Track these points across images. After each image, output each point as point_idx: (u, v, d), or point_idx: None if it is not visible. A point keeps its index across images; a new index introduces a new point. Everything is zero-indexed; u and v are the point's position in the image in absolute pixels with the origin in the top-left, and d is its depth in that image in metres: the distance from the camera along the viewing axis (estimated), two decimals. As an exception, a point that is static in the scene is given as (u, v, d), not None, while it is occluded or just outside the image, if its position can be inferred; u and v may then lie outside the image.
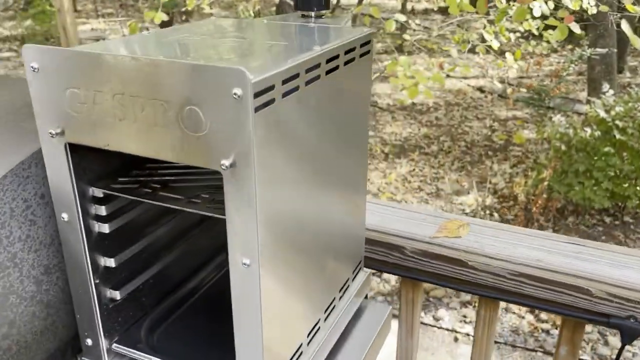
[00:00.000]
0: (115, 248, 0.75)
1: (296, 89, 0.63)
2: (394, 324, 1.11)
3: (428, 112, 7.29)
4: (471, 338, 2.56)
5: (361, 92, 0.84)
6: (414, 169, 5.96)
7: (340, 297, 0.88)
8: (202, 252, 0.97)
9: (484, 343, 1.19)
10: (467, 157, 6.21)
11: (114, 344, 0.79)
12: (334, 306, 0.86)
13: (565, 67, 6.71)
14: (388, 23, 2.82)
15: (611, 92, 4.81)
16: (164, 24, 9.27)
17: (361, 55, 0.80)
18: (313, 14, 0.95)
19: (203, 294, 0.92)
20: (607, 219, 4.80)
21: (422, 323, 3.67)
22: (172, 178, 0.72)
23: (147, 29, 9.66)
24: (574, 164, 4.60)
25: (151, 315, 0.85)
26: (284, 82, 0.60)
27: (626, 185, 4.40)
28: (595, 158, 4.45)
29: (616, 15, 3.98)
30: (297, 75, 0.63)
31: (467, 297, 3.83)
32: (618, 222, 4.76)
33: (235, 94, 0.54)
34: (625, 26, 2.51)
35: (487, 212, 5.12)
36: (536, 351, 3.31)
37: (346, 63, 0.76)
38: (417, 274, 1.13)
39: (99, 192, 0.70)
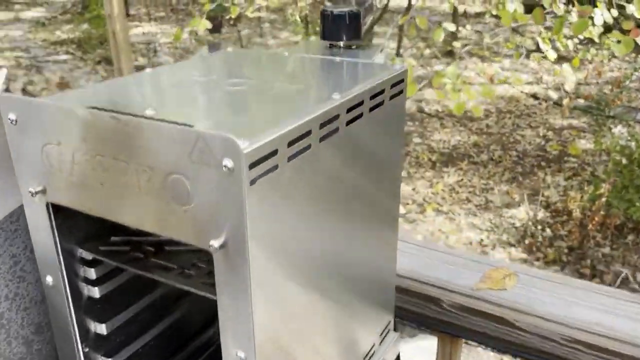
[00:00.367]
0: (108, 313, 0.67)
1: (307, 147, 0.53)
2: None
3: (478, 119, 7.05)
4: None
5: (391, 137, 0.73)
6: (462, 179, 5.75)
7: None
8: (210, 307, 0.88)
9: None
10: (519, 168, 5.96)
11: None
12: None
13: (628, 74, 6.35)
14: (436, 33, 2.68)
15: (678, 102, 4.49)
16: (212, 30, 9.35)
17: (392, 97, 0.70)
18: (342, 44, 0.84)
19: (213, 353, 0.83)
20: (671, 239, 4.50)
21: None
22: (169, 240, 0.64)
23: (196, 33, 9.77)
24: (635, 178, 4.32)
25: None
26: (291, 143, 0.50)
27: (693, 204, 4.09)
28: (659, 174, 4.17)
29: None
30: (308, 133, 0.53)
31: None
32: (683, 242, 4.45)
33: (225, 165, 0.44)
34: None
35: (539, 227, 4.88)
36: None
37: (372, 109, 0.65)
38: (456, 329, 1.01)
39: (87, 254, 0.62)
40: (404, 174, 5.82)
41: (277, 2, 3.53)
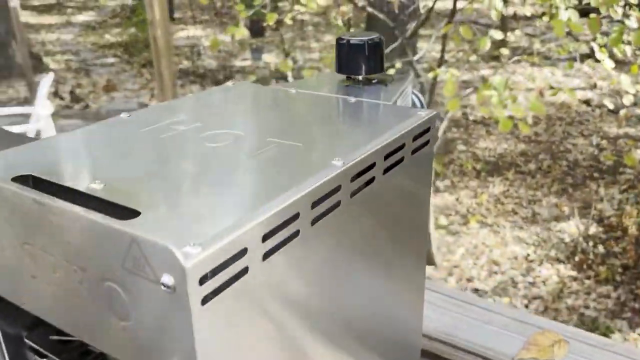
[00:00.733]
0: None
1: (295, 235, 0.41)
2: None
3: (528, 126, 6.76)
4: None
5: (413, 196, 0.60)
6: (508, 189, 5.50)
7: None
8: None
9: None
10: (569, 179, 5.67)
11: None
12: None
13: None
14: (481, 42, 2.51)
15: None
16: (255, 34, 9.32)
17: (414, 151, 0.56)
18: (360, 78, 0.72)
19: None
20: None
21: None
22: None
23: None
24: (698, 195, 4.01)
25: None
26: (267, 236, 0.38)
27: None
28: None
29: None
30: (294, 218, 0.40)
31: None
32: None
33: (163, 283, 0.32)
34: None
35: (591, 242, 4.60)
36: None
37: (388, 169, 0.52)
38: (493, 405, 0.87)
39: (34, 344, 0.51)
40: (447, 182, 5.62)
41: (317, 7, 3.42)
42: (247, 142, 0.51)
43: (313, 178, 0.43)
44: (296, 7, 3.47)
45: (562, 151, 6.07)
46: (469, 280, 4.22)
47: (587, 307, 3.96)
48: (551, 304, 3.99)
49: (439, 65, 2.98)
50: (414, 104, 0.80)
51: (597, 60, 3.06)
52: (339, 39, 0.70)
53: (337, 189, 0.45)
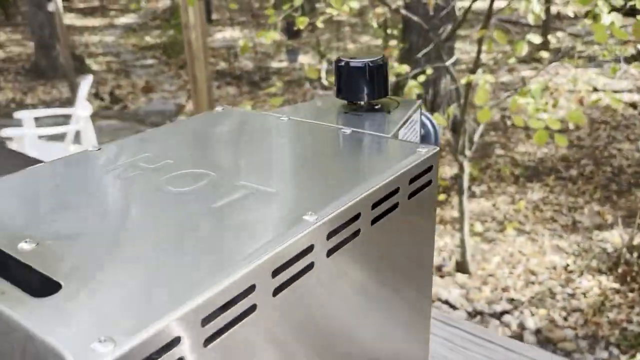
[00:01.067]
0: None
1: (251, 309, 0.35)
2: None
3: (568, 130, 6.53)
4: None
5: (412, 244, 0.53)
6: (547, 196, 5.32)
7: None
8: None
9: None
10: (613, 186, 5.44)
11: None
12: None
13: None
14: (518, 46, 2.39)
15: None
16: (291, 35, 9.29)
17: (411, 195, 0.50)
18: (362, 103, 0.65)
19: None
20: None
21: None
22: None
23: (273, 39, 9.77)
24: None
25: None
26: (207, 320, 0.32)
27: None
28: None
29: None
30: (250, 290, 0.34)
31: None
32: None
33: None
34: None
35: (635, 253, 4.39)
36: None
37: (377, 219, 0.46)
38: None
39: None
40: (484, 188, 5.47)
41: (350, 11, 3.36)
42: (214, 187, 0.45)
43: (277, 240, 0.37)
44: (328, 9, 3.41)
45: (606, 156, 5.82)
46: (504, 289, 4.09)
47: (630, 321, 3.77)
48: (591, 318, 3.83)
49: (474, 70, 2.87)
50: (427, 132, 0.73)
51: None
52: (337, 61, 0.64)
53: (309, 249, 0.39)
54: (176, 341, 0.30)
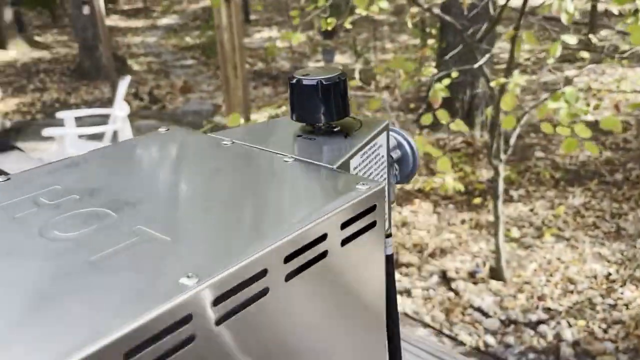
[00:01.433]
0: None
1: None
2: None
3: (614, 132, 6.24)
4: None
5: (353, 295, 0.46)
6: (589, 201, 5.09)
7: None
8: None
9: None
10: (661, 191, 5.18)
11: None
12: None
13: None
14: (552, 49, 2.26)
15: None
16: (327, 35, 9.22)
17: (345, 242, 0.43)
18: (322, 125, 0.59)
19: None
20: None
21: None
22: None
23: (311, 39, 9.72)
24: None
25: None
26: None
27: None
28: None
29: None
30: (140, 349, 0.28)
31: None
32: None
33: None
34: None
35: (683, 264, 4.15)
36: None
37: (294, 274, 0.39)
38: None
39: None
40: (521, 192, 5.29)
41: (379, 11, 3.28)
42: (105, 232, 0.39)
43: (140, 312, 0.31)
44: (357, 10, 3.34)
45: (655, 160, 5.54)
46: (540, 298, 3.93)
47: (675, 335, 3.57)
48: (633, 330, 3.64)
49: (507, 72, 2.75)
50: (403, 154, 0.66)
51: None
52: (289, 77, 0.57)
53: (187, 319, 0.33)
54: None
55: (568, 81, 5.14)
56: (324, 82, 0.55)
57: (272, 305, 0.38)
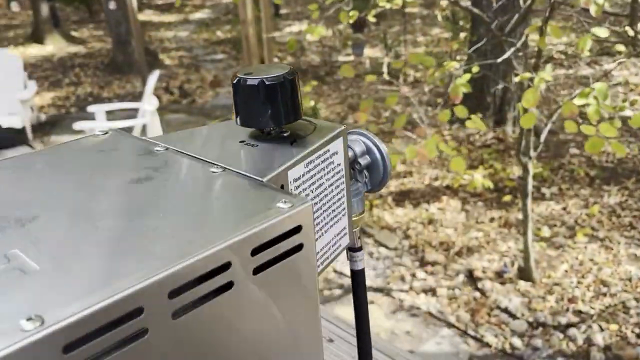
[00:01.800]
0: None
1: None
2: None
3: (654, 128, 5.98)
4: None
5: (273, 329, 0.39)
6: (626, 200, 4.88)
7: None
8: None
9: None
10: (703, 191, 4.94)
11: None
12: None
13: None
14: (580, 42, 2.14)
15: None
16: (356, 28, 9.12)
17: (258, 270, 0.36)
18: (271, 130, 0.52)
19: None
20: None
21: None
22: None
23: (340, 32, 9.63)
24: None
25: None
26: None
27: None
28: None
29: None
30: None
31: None
32: None
33: None
34: None
35: None
36: None
37: (184, 310, 0.33)
38: None
39: None
40: (554, 190, 5.11)
41: (401, 2, 3.19)
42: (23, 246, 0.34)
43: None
44: (380, 2, 3.26)
45: (697, 158, 5.27)
46: (571, 300, 3.78)
47: None
48: (669, 336, 3.47)
49: (534, 67, 2.63)
50: (373, 161, 0.59)
51: None
52: (233, 77, 0.51)
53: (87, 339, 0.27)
54: None
55: (602, 76, 4.94)
56: (267, 82, 0.49)
57: (155, 356, 0.32)
